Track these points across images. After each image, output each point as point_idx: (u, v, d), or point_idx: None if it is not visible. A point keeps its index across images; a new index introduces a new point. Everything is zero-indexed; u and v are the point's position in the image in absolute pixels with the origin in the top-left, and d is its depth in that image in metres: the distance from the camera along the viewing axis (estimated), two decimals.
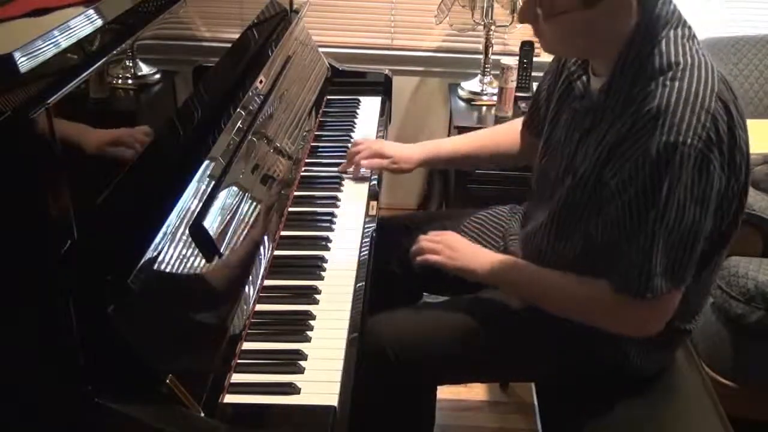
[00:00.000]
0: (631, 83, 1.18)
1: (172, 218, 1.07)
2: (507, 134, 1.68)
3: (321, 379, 1.12)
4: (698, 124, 1.10)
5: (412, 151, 1.69)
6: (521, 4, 1.25)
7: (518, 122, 1.66)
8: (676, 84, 1.13)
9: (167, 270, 1.03)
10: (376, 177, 1.69)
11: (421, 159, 1.68)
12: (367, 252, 1.43)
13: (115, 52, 1.02)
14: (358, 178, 1.68)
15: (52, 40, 0.89)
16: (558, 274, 1.31)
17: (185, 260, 1.08)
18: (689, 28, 1.22)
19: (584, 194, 1.26)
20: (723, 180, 1.15)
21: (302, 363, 1.14)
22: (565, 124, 1.35)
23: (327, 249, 1.43)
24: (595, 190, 1.23)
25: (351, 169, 1.69)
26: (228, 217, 1.20)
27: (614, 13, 1.17)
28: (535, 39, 2.59)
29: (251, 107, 1.44)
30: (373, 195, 1.63)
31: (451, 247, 1.43)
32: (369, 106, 2.05)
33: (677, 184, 1.11)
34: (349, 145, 1.84)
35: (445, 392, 2.09)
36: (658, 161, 1.11)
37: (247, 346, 1.17)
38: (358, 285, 1.34)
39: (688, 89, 1.12)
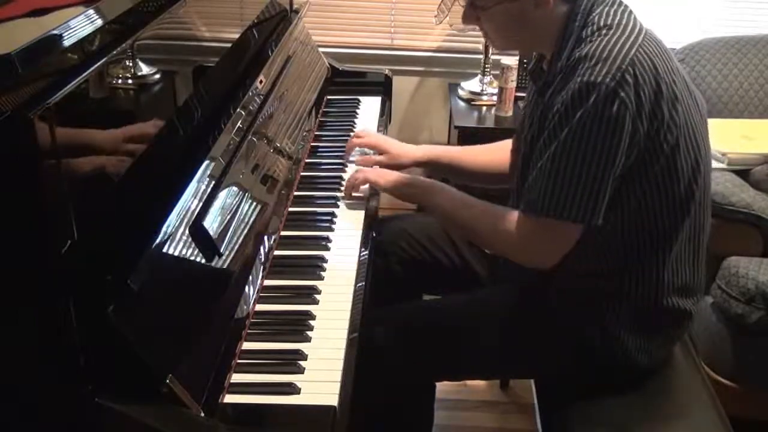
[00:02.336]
0: (569, 52, 1.25)
1: (172, 218, 1.07)
2: (501, 150, 1.67)
3: (321, 379, 1.12)
4: (614, 66, 1.17)
5: (412, 149, 1.70)
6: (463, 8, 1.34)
7: (508, 142, 1.67)
8: (600, 38, 1.21)
9: (167, 270, 1.03)
10: None
11: (421, 157, 1.68)
12: (367, 252, 1.43)
13: (115, 52, 1.02)
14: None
15: (52, 40, 0.89)
16: (481, 203, 1.38)
17: (185, 260, 1.08)
18: (625, 5, 1.29)
19: (533, 155, 1.30)
20: (640, 124, 1.19)
21: (302, 363, 1.14)
22: (531, 108, 1.39)
23: (327, 249, 1.43)
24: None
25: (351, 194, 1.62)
26: (228, 217, 1.20)
27: (543, 2, 1.25)
28: None
29: (251, 107, 1.44)
30: (373, 195, 1.63)
31: (381, 172, 1.52)
32: (369, 106, 2.05)
33: (586, 117, 1.18)
34: None
35: (444, 392, 2.09)
36: (572, 98, 1.19)
37: (247, 346, 1.17)
38: (358, 285, 1.34)
39: (609, 41, 1.20)
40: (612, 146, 1.18)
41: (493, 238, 1.36)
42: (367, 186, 1.58)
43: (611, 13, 1.25)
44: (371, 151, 1.74)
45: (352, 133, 1.89)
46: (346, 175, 1.67)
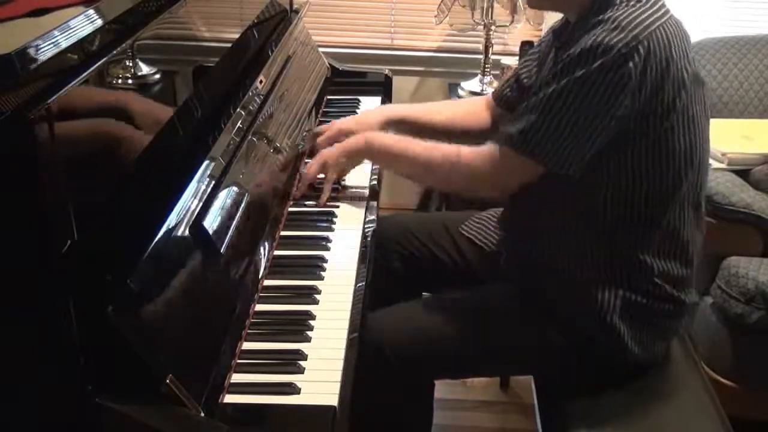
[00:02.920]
0: (595, 16, 1.26)
1: (172, 218, 1.07)
2: (472, 107, 1.70)
3: (321, 379, 1.12)
4: (630, 36, 1.19)
5: (373, 117, 1.68)
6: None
7: (476, 99, 1.72)
8: (625, 8, 1.23)
9: (167, 270, 1.03)
10: (376, 177, 1.68)
11: (382, 123, 1.66)
12: (367, 252, 1.43)
13: (115, 52, 1.02)
14: (359, 177, 1.68)
15: (52, 40, 0.89)
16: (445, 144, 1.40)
17: (185, 260, 1.08)
18: None
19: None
20: (637, 99, 1.21)
21: (302, 363, 1.14)
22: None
23: (327, 249, 1.43)
24: None
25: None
26: (228, 217, 1.20)
27: None
28: (534, 39, 2.61)
29: (251, 107, 1.44)
30: (373, 195, 1.63)
31: (324, 153, 1.53)
32: (369, 106, 2.05)
33: (588, 75, 1.19)
34: None
35: (444, 392, 2.09)
36: (581, 52, 1.21)
37: (247, 346, 1.17)
38: (358, 285, 1.33)
39: (633, 12, 1.22)
40: (604, 110, 1.21)
41: (455, 168, 1.38)
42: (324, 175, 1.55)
43: None
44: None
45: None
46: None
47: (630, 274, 1.34)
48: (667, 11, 1.26)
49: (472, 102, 1.72)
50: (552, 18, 1.95)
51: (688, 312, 1.42)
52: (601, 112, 1.21)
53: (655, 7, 1.24)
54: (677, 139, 1.26)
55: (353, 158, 1.54)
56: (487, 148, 1.34)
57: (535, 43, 1.63)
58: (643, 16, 1.21)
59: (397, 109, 1.75)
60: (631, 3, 1.23)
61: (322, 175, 1.56)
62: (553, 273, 1.38)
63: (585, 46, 1.20)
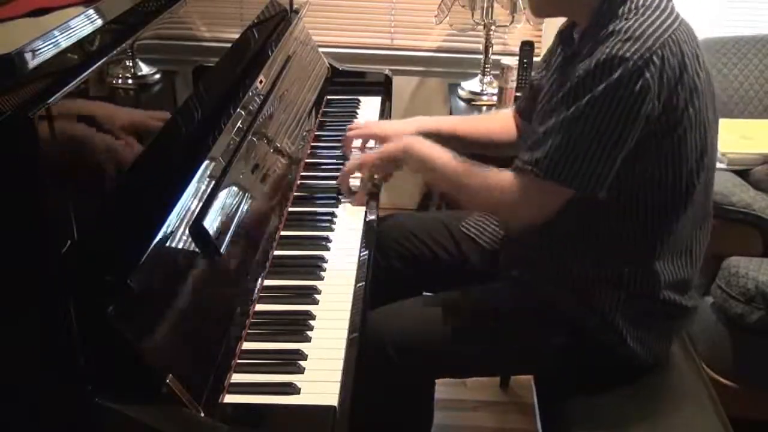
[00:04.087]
0: (603, 26, 1.24)
1: (172, 218, 1.07)
2: (498, 120, 1.71)
3: (321, 379, 1.12)
4: (644, 47, 1.18)
5: (409, 127, 1.67)
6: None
7: (505, 112, 1.71)
8: (636, 17, 1.21)
9: (167, 270, 1.03)
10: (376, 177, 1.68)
11: (416, 131, 1.65)
12: (367, 252, 1.43)
13: (115, 52, 1.02)
14: (359, 177, 1.68)
15: (52, 40, 0.89)
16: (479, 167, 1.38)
17: (185, 260, 1.08)
18: None
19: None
20: (656, 107, 1.20)
21: (302, 363, 1.14)
22: (557, 81, 1.39)
23: (327, 249, 1.43)
24: None
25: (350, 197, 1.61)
26: (228, 217, 1.20)
27: None
28: (534, 39, 2.61)
29: (251, 107, 1.44)
30: (373, 195, 1.63)
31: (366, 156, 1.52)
32: (369, 106, 2.05)
33: (604, 91, 1.18)
34: None
35: (444, 392, 2.09)
36: (595, 68, 1.19)
37: (247, 346, 1.17)
38: (358, 285, 1.33)
39: (644, 21, 1.20)
40: (627, 124, 1.19)
41: (484, 195, 1.36)
42: (359, 183, 1.56)
43: None
44: (373, 143, 1.74)
45: None
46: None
47: (638, 278, 1.34)
48: (678, 16, 1.25)
49: (503, 116, 1.70)
50: (552, 19, 1.95)
51: (689, 314, 1.42)
52: (625, 125, 1.19)
53: (665, 14, 1.23)
54: (690, 144, 1.26)
55: (391, 162, 1.54)
56: (513, 178, 1.30)
57: (536, 44, 1.63)
58: (656, 25, 1.20)
59: (433, 122, 1.74)
60: (641, 11, 1.22)
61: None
62: (555, 273, 1.38)
63: (599, 60, 1.19)
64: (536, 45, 2.55)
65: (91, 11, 0.99)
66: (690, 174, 1.28)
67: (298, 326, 1.22)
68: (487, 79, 2.66)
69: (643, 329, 1.36)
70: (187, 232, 1.09)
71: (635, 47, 1.17)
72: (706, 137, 1.28)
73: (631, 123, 1.19)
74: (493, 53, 2.64)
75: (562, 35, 1.43)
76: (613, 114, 1.19)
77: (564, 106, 1.23)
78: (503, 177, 1.32)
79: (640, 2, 1.23)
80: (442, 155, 1.44)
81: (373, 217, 1.54)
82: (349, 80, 2.13)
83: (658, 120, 1.22)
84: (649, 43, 1.18)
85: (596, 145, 1.20)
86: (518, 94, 2.56)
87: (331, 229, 1.49)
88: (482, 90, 2.65)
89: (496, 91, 2.57)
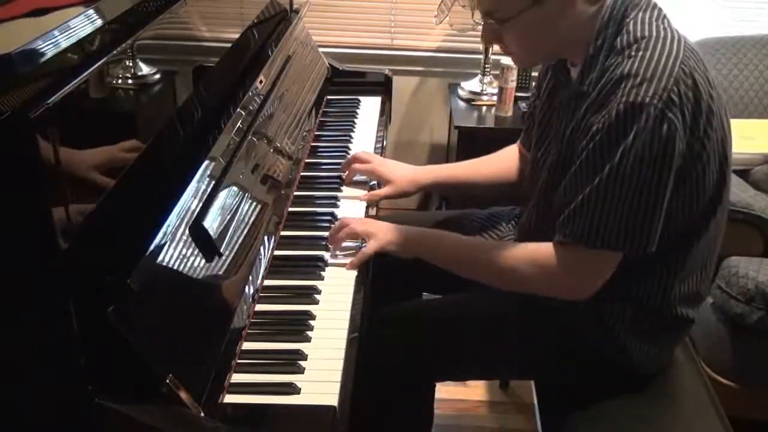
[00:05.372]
0: (602, 63, 1.21)
1: (172, 218, 1.07)
2: (503, 160, 1.67)
3: (321, 379, 1.12)
4: (659, 86, 1.13)
5: (415, 176, 1.67)
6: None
7: (511, 149, 1.67)
8: (641, 53, 1.16)
9: (167, 270, 1.03)
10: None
11: (425, 184, 1.68)
12: None
13: (115, 52, 1.02)
14: (359, 177, 1.68)
15: (52, 40, 0.89)
16: (491, 242, 1.32)
17: (185, 260, 1.08)
18: (659, 9, 1.25)
19: (563, 170, 1.27)
20: (685, 139, 1.16)
21: (302, 363, 1.14)
22: (555, 116, 1.37)
23: (327, 249, 1.43)
24: (571, 163, 1.25)
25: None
26: (228, 217, 1.20)
27: (568, 4, 1.20)
28: None
29: (251, 107, 1.44)
30: (373, 195, 1.63)
31: (373, 228, 1.41)
32: (369, 106, 2.05)
33: (635, 142, 1.13)
34: (350, 145, 1.84)
35: (445, 392, 2.09)
36: (617, 120, 1.14)
37: (247, 346, 1.17)
38: (358, 285, 1.33)
39: (651, 57, 1.15)
40: (664, 169, 1.14)
41: (530, 275, 1.27)
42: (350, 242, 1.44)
43: (646, 20, 1.20)
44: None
45: (352, 134, 1.90)
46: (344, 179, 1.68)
47: (650, 295, 1.31)
48: (678, 39, 1.19)
49: (508, 155, 1.66)
50: None
51: (692, 324, 1.41)
52: (662, 171, 1.15)
53: (668, 43, 1.17)
54: (712, 167, 1.22)
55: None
56: (559, 251, 1.24)
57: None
58: (663, 59, 1.14)
59: (436, 168, 1.72)
60: (642, 45, 1.16)
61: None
62: None
63: (619, 111, 1.13)
64: None
65: (91, 11, 0.99)
66: (712, 196, 1.25)
67: (298, 326, 1.22)
68: (487, 79, 2.66)
69: (649, 342, 1.34)
70: (187, 232, 1.09)
71: (652, 89, 1.12)
72: (725, 153, 1.24)
73: (668, 167, 1.15)
74: (493, 53, 2.64)
75: (555, 69, 1.37)
76: (649, 163, 1.13)
77: (594, 168, 1.17)
78: (544, 251, 1.25)
79: (638, 32, 1.18)
80: (440, 232, 1.42)
81: (373, 215, 1.55)
82: (349, 80, 2.13)
83: (687, 153, 1.17)
84: (663, 81, 1.13)
85: (639, 202, 1.15)
86: (518, 94, 2.56)
87: None
88: (482, 90, 2.65)
89: (496, 91, 2.57)
